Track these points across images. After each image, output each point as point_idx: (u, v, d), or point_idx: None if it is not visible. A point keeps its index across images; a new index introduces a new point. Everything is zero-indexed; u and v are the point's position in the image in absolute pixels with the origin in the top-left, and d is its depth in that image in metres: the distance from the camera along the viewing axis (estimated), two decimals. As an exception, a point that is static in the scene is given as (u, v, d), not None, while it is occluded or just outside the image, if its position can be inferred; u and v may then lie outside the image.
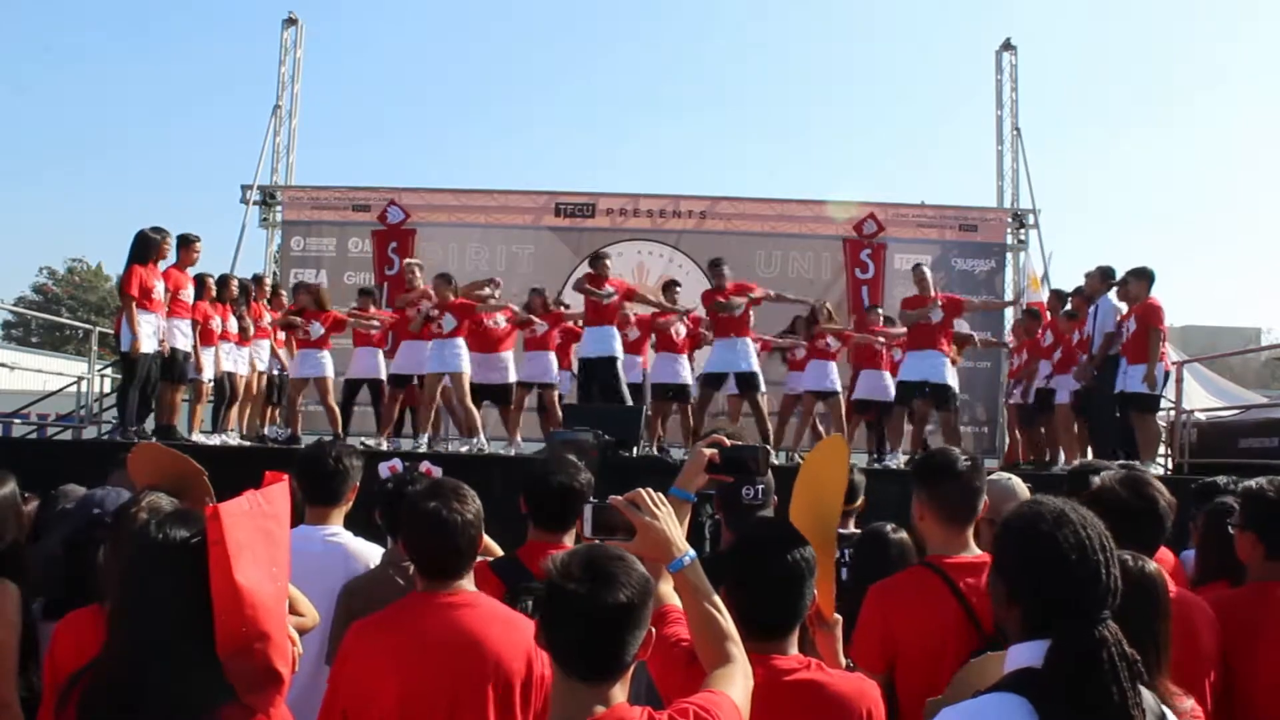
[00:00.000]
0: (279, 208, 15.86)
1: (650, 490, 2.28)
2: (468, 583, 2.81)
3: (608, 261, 10.95)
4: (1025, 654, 1.92)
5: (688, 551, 2.24)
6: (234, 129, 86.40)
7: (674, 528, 2.25)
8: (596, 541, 2.15)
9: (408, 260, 11.83)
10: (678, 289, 11.39)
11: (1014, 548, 2.04)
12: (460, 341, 10.35)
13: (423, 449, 10.12)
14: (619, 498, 2.26)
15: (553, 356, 11.37)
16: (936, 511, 3.11)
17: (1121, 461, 5.33)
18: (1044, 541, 1.97)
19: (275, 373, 11.97)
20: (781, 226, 15.42)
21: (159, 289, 9.50)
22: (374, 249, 14.94)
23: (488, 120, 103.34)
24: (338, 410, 11.08)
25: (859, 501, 4.41)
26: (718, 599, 2.22)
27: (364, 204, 15.44)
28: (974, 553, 3.09)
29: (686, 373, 11.25)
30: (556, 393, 11.36)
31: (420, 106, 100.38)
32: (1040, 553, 1.97)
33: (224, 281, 11.18)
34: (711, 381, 10.73)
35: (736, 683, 2.11)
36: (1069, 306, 11.38)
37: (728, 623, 2.19)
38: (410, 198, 15.42)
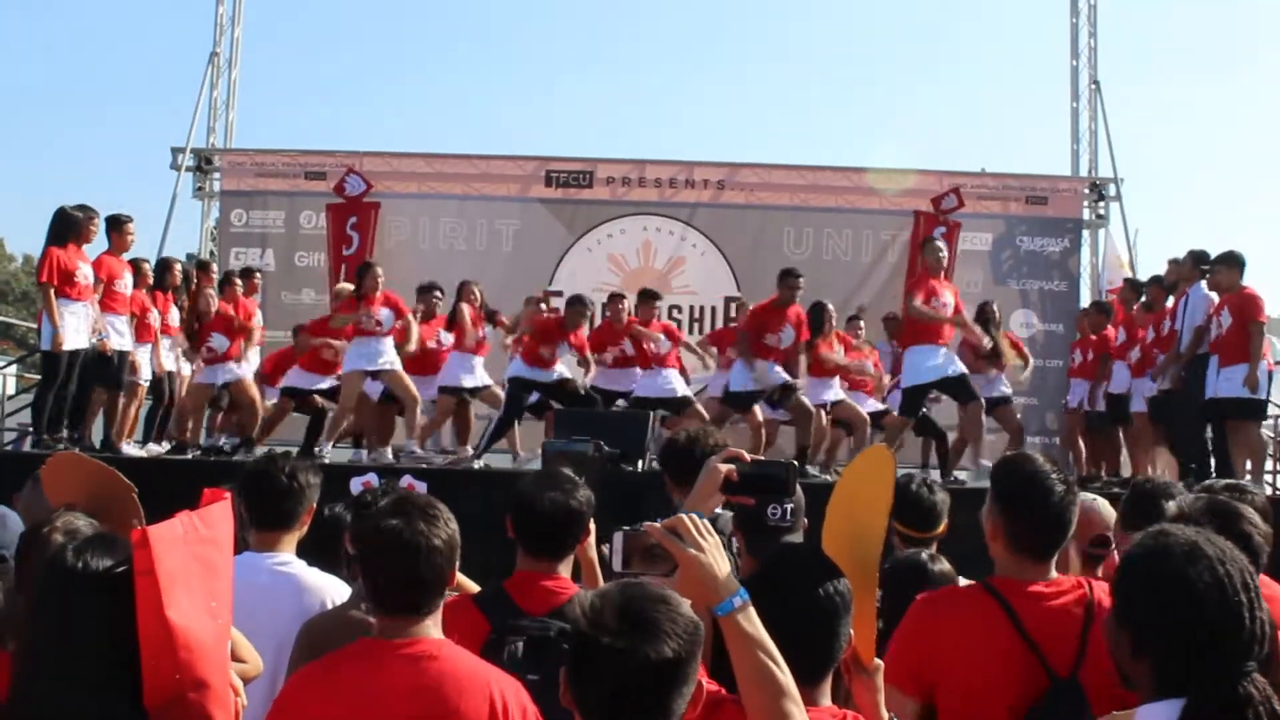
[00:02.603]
0: (216, 175, 15.91)
1: (694, 516, 2.25)
2: (432, 625, 2.76)
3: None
4: (1157, 716, 1.92)
5: (739, 591, 2.20)
6: (162, 80, 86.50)
7: (722, 562, 2.21)
8: (629, 577, 2.12)
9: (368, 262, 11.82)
10: (656, 304, 11.77)
11: (1138, 590, 2.03)
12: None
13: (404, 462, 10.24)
14: (656, 525, 2.24)
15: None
16: (1013, 539, 3.04)
17: (1227, 481, 5.30)
18: (1174, 582, 1.96)
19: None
20: (814, 199, 15.40)
21: (84, 273, 9.53)
22: (329, 225, 14.96)
23: (466, 72, 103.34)
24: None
25: (941, 528, 4.34)
26: (773, 648, 2.18)
27: (318, 171, 15.45)
28: (1050, 578, 3.05)
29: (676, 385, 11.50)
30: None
31: (386, 55, 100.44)
32: (1170, 596, 1.96)
33: (164, 267, 11.24)
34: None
35: None
36: (1145, 298, 11.44)
37: (786, 677, 2.16)
38: (373, 163, 15.44)
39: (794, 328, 10.78)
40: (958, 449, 11.42)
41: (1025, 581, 3.01)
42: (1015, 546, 3.04)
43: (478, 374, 11.18)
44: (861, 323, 12.23)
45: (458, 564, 2.84)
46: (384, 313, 10.49)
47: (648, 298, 11.70)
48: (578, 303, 11.24)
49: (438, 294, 11.48)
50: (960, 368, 10.36)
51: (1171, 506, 3.43)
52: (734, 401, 11.02)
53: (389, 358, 10.59)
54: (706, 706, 2.25)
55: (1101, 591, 3.04)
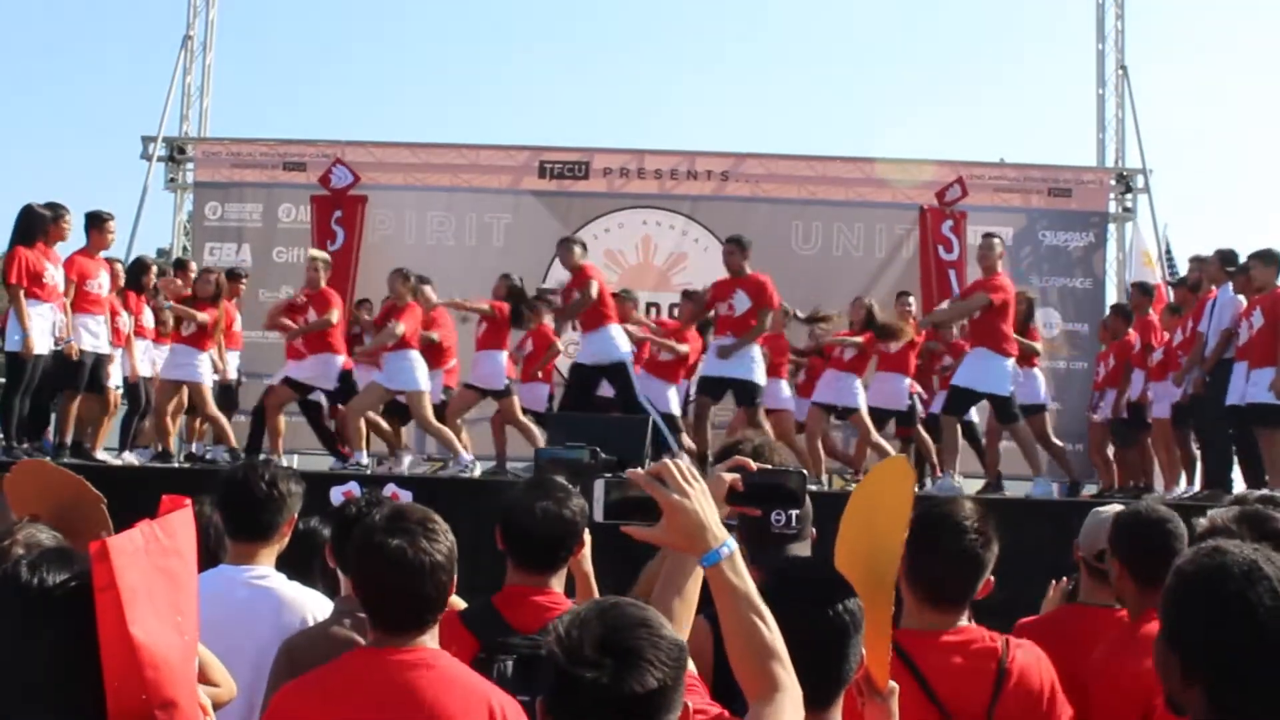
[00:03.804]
0: (190, 165, 15.90)
1: (679, 462, 2.25)
2: (429, 639, 2.81)
3: (577, 248, 11.06)
4: None
5: (726, 540, 2.20)
6: (132, 65, 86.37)
7: (709, 509, 2.22)
8: (608, 599, 2.11)
9: (312, 253, 11.77)
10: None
11: (1190, 610, 2.03)
12: (414, 355, 10.67)
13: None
14: (639, 471, 2.24)
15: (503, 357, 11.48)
16: (917, 581, 3.10)
17: (1261, 492, 5.32)
18: (1231, 605, 1.95)
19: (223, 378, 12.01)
20: (823, 191, 15.40)
21: (51, 274, 9.59)
22: (313, 218, 14.93)
23: (455, 57, 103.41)
24: (224, 419, 11.22)
25: None
26: (762, 604, 2.19)
27: (298, 161, 15.45)
28: (961, 626, 3.10)
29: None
30: (516, 400, 11.51)
31: (369, 39, 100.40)
32: (1225, 618, 1.96)
33: (140, 267, 11.32)
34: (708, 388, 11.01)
35: (785, 718, 2.10)
36: (1171, 299, 11.50)
37: (774, 637, 2.17)
38: (356, 153, 15.42)
39: (748, 294, 10.65)
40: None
41: (930, 632, 3.06)
42: (918, 589, 3.10)
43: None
44: (911, 298, 12.33)
45: (456, 577, 2.88)
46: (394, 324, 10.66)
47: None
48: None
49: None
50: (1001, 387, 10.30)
51: (1204, 521, 3.43)
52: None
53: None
54: None
55: (1017, 649, 3.10)
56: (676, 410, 11.31)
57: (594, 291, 10.69)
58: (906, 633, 3.06)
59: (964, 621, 3.11)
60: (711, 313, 11.24)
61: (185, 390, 11.57)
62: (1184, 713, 2.05)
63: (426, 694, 2.69)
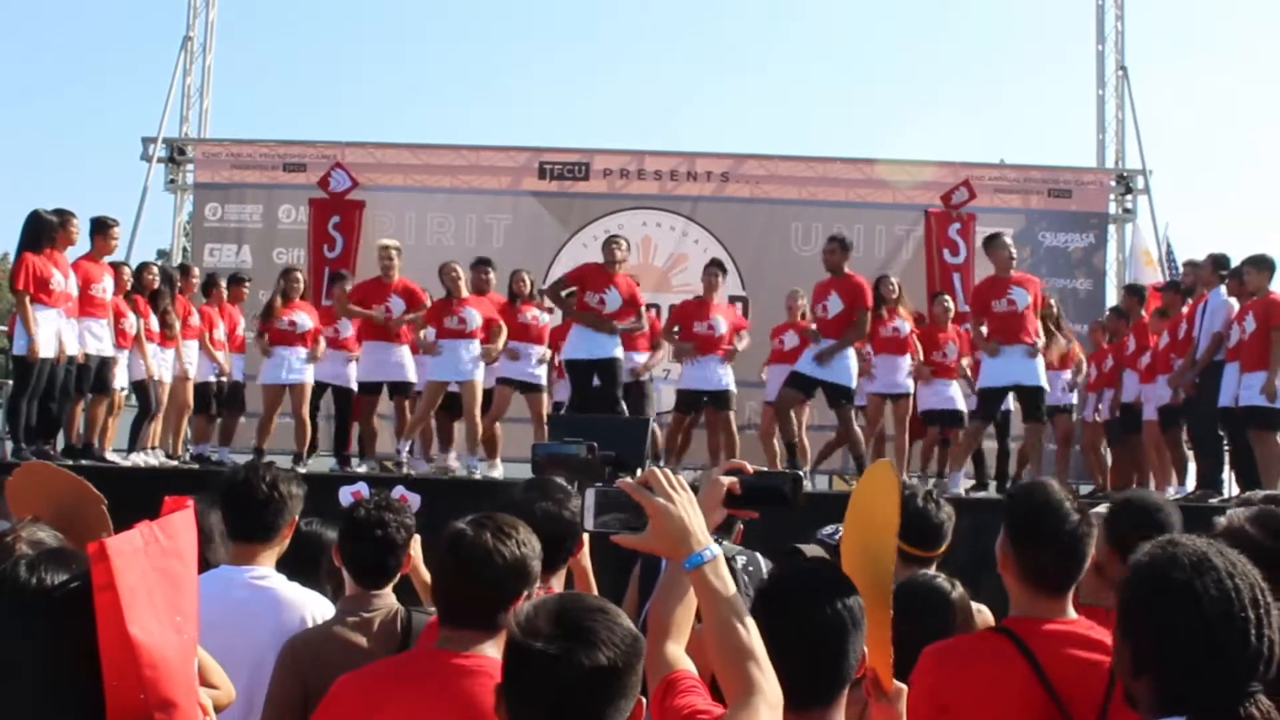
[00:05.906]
0: (190, 166, 15.92)
1: (667, 470, 2.31)
2: (492, 646, 2.80)
3: (619, 246, 10.98)
4: None
5: (708, 545, 2.26)
6: (132, 66, 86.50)
7: (694, 515, 2.28)
8: (567, 590, 2.15)
9: (383, 242, 11.75)
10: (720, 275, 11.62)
11: (1141, 601, 2.03)
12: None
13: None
14: (629, 480, 2.31)
15: (538, 351, 11.41)
16: (1026, 572, 3.06)
17: (1266, 493, 5.30)
18: (1179, 593, 1.96)
19: (213, 379, 12.04)
20: (823, 192, 15.42)
21: (58, 280, 9.68)
22: (310, 221, 14.94)
23: (455, 57, 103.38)
24: (309, 424, 11.37)
25: (944, 546, 4.25)
26: (742, 607, 2.23)
27: (298, 162, 15.46)
28: (1069, 616, 3.07)
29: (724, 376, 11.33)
30: (545, 397, 11.46)
31: (369, 39, 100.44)
32: (1173, 608, 1.96)
33: (145, 270, 11.39)
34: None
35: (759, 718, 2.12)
36: (1159, 304, 11.56)
37: (754, 640, 2.21)
38: (356, 154, 15.45)
39: (841, 296, 10.62)
40: (1019, 460, 11.67)
41: (1042, 620, 3.04)
42: (1027, 580, 3.07)
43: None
44: (947, 297, 12.32)
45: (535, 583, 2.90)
46: (469, 311, 10.89)
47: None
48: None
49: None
50: (1039, 379, 10.21)
51: (1221, 520, 3.43)
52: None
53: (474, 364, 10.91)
54: (663, 686, 2.30)
55: None
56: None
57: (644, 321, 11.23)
58: (1018, 620, 3.06)
59: (1071, 610, 3.08)
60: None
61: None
62: (1136, 706, 2.05)
63: (483, 702, 2.65)
